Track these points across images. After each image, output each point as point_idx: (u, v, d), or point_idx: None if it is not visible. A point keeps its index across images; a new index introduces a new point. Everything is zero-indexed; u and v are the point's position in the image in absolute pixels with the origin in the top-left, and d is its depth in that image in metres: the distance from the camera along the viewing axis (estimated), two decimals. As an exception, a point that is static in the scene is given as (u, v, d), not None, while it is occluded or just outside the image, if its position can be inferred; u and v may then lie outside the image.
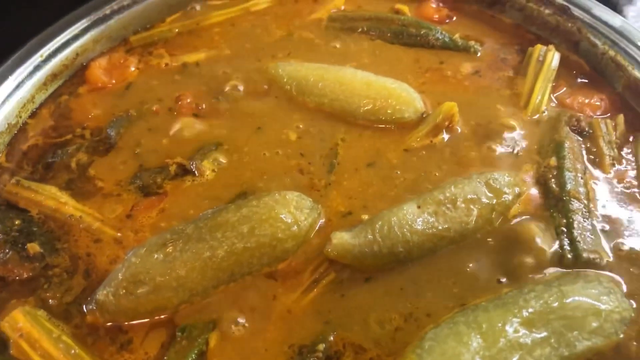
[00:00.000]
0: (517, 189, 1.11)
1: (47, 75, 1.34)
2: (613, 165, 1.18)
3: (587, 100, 1.28)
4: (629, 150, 1.20)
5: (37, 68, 1.32)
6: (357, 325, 0.98)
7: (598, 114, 1.26)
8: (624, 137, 1.22)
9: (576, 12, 1.37)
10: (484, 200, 1.08)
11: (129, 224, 1.12)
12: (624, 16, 1.64)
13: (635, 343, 0.96)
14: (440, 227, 1.04)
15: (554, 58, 1.32)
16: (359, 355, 0.95)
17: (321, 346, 0.95)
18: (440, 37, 1.41)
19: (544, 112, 1.26)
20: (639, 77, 1.26)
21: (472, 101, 1.28)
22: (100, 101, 1.34)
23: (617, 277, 1.03)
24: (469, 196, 1.07)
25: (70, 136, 1.28)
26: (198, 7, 1.54)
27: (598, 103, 1.27)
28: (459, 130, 1.23)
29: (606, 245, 1.07)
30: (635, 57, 1.28)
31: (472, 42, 1.41)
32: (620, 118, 1.24)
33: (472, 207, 1.06)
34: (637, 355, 0.94)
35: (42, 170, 1.20)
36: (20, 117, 1.29)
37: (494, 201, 1.08)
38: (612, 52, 1.31)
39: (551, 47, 1.34)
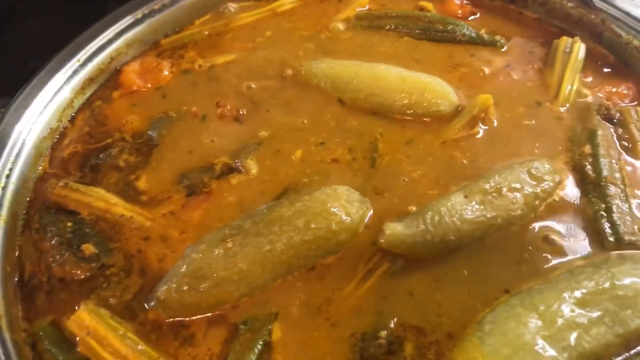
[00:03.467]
0: (557, 177, 1.15)
1: (84, 80, 1.36)
2: (645, 149, 1.22)
3: (614, 89, 1.32)
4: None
5: (75, 72, 1.34)
6: (414, 312, 1.01)
7: (626, 102, 1.30)
8: (653, 120, 1.26)
9: (599, 4, 1.41)
10: (528, 188, 1.11)
11: (176, 223, 1.14)
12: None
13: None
14: (488, 215, 1.07)
15: (580, 49, 1.36)
16: (420, 339, 0.98)
17: (383, 333, 0.97)
18: (467, 33, 1.44)
19: (575, 102, 1.30)
20: (664, 64, 1.31)
21: (505, 93, 1.32)
22: (136, 105, 1.36)
23: (658, 257, 1.06)
24: (513, 185, 1.10)
25: (110, 140, 1.29)
26: (226, 9, 1.56)
27: (626, 91, 1.31)
28: (495, 122, 1.27)
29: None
30: (660, 47, 1.33)
31: (498, 37, 1.44)
32: None
33: (517, 194, 1.10)
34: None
35: (90, 173, 1.22)
36: (61, 121, 1.31)
37: (538, 189, 1.11)
38: (636, 42, 1.35)
39: (577, 38, 1.38)
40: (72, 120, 1.34)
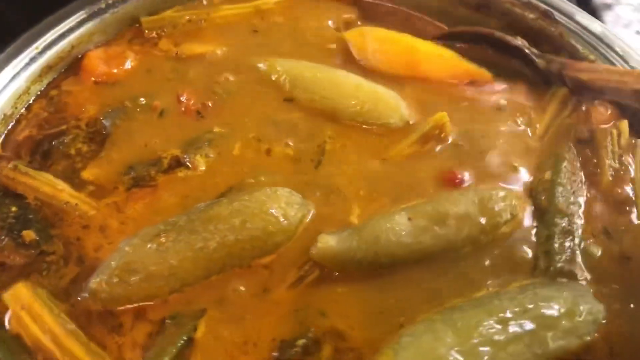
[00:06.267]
0: (510, 212, 1.11)
1: (42, 67, 1.35)
2: (612, 177, 1.19)
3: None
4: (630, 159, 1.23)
5: (33, 60, 1.34)
6: (338, 321, 1.02)
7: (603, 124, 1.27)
8: (628, 144, 1.24)
9: (558, 17, 1.41)
10: (475, 220, 1.08)
11: (117, 214, 1.15)
12: (602, 21, 1.69)
13: (604, 344, 1.00)
14: (427, 243, 1.06)
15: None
16: (339, 344, 0.99)
17: (301, 342, 0.99)
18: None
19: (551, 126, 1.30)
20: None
21: (468, 111, 1.31)
22: (95, 93, 1.35)
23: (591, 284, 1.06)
24: (460, 214, 1.07)
25: (64, 127, 1.29)
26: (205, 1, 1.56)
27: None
28: (450, 141, 1.26)
29: (583, 257, 1.10)
30: (614, 62, 1.34)
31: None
32: (625, 124, 1.25)
33: (462, 225, 1.07)
34: (605, 355, 0.99)
35: (40, 159, 1.23)
36: (16, 108, 1.31)
37: (485, 223, 1.09)
38: (592, 57, 1.36)
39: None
40: (29, 107, 1.33)
